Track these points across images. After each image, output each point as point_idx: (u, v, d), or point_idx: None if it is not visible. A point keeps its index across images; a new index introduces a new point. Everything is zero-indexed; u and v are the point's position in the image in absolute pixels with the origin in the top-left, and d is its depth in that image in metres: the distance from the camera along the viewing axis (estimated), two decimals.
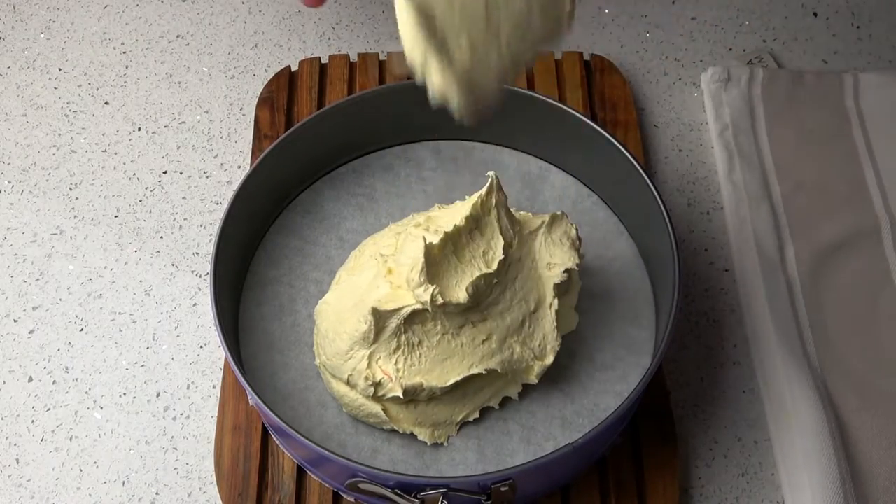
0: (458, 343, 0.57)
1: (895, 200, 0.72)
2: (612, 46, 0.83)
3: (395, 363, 0.57)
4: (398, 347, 0.57)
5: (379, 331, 0.56)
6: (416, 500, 0.53)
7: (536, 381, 0.59)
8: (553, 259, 0.59)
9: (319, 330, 0.61)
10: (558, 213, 0.61)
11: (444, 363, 0.57)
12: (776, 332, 0.65)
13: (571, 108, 0.65)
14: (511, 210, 0.60)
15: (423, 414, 0.59)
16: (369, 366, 0.57)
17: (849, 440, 0.62)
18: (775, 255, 0.70)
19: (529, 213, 0.65)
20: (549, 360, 0.59)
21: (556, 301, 0.59)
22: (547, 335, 0.59)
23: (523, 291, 0.58)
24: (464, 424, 0.60)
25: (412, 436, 0.59)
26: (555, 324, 0.59)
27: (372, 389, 0.57)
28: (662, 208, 0.60)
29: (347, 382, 0.58)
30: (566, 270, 0.59)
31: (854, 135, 0.76)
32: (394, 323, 0.56)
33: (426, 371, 0.57)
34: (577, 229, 0.61)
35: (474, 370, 0.57)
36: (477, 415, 0.60)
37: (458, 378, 0.57)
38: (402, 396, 0.56)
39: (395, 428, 0.59)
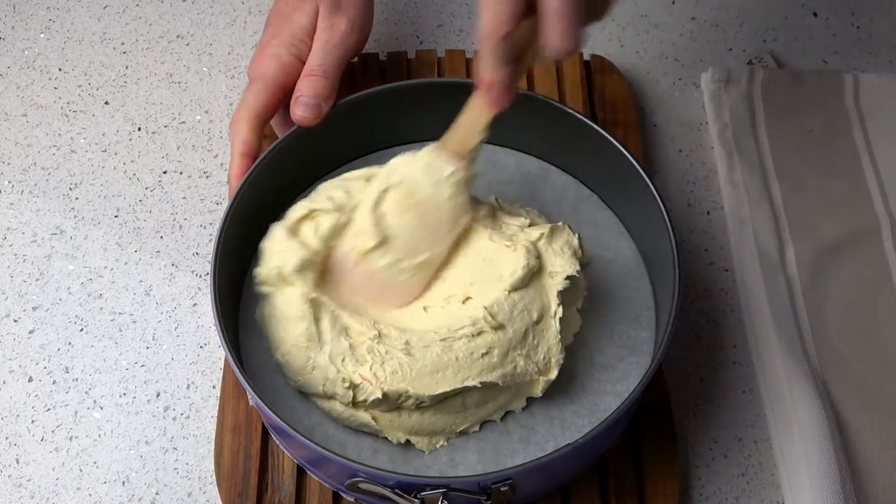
0: (451, 357, 0.56)
1: (895, 200, 0.72)
2: (612, 46, 0.83)
3: (371, 368, 0.56)
4: (369, 351, 0.56)
5: (318, 320, 0.56)
6: (416, 500, 0.53)
7: (541, 395, 0.59)
8: (554, 268, 0.59)
9: (269, 346, 0.59)
10: (559, 224, 0.61)
11: (435, 374, 0.56)
12: (776, 332, 0.65)
13: (571, 109, 0.65)
14: (504, 213, 0.61)
15: (421, 424, 0.58)
16: (339, 370, 0.56)
17: (849, 440, 0.62)
18: (775, 255, 0.70)
19: (535, 210, 0.65)
20: (553, 374, 0.58)
21: (560, 309, 0.58)
22: (551, 347, 0.58)
23: (524, 302, 0.58)
24: None
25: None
26: (558, 336, 0.58)
27: (351, 394, 0.56)
28: (662, 208, 0.60)
29: (325, 395, 0.57)
30: (568, 277, 0.58)
31: (854, 135, 0.76)
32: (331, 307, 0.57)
33: (413, 379, 0.56)
34: (578, 238, 0.61)
35: (469, 383, 0.56)
36: (477, 428, 0.60)
37: (448, 389, 0.56)
38: (380, 398, 0.55)
39: (389, 437, 0.58)
